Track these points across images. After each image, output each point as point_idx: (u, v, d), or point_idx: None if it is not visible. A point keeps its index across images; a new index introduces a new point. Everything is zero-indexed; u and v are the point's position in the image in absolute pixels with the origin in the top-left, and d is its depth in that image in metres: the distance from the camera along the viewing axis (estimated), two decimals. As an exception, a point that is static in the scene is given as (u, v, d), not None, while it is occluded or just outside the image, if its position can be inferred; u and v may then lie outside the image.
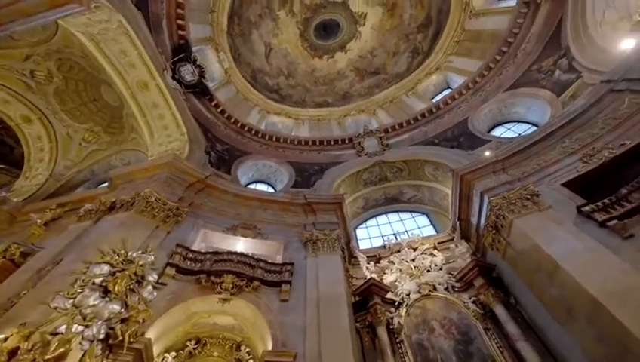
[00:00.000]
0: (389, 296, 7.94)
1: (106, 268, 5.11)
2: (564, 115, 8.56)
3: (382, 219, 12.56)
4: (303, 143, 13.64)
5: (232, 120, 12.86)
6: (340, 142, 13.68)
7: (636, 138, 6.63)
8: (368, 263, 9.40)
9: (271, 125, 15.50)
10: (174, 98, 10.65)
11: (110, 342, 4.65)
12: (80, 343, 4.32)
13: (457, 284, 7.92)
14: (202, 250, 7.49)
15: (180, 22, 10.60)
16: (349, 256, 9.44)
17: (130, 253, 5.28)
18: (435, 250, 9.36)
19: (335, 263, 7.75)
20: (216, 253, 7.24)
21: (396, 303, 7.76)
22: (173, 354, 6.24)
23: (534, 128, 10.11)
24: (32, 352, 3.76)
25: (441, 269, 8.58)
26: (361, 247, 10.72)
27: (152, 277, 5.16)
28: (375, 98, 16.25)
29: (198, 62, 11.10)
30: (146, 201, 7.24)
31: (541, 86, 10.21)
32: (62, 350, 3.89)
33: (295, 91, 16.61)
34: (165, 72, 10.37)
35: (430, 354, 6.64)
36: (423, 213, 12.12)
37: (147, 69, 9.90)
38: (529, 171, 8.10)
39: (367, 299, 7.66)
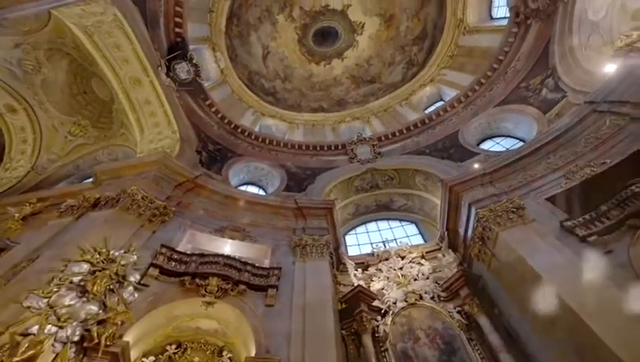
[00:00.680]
0: (375, 303, 7.93)
1: (85, 267, 4.91)
2: (549, 132, 8.87)
3: (372, 226, 12.61)
4: (296, 147, 13.64)
5: (226, 120, 12.76)
6: (333, 148, 13.75)
7: (616, 157, 6.93)
8: (356, 270, 9.39)
9: (265, 128, 15.45)
10: (167, 95, 10.50)
11: (85, 344, 4.43)
12: (52, 345, 4.10)
13: (443, 294, 7.99)
14: (188, 251, 7.32)
15: (177, 19, 10.53)
16: (338, 263, 9.41)
17: (112, 252, 5.09)
18: (423, 259, 9.45)
19: (323, 269, 7.70)
20: (202, 254, 7.09)
21: (382, 311, 7.75)
22: (152, 358, 6.00)
23: (521, 143, 10.43)
24: (0, 353, 3.55)
25: (428, 278, 8.65)
26: (349, 254, 10.71)
27: (134, 277, 4.99)
28: (370, 106, 16.47)
29: (194, 61, 11.02)
30: (131, 199, 7.04)
31: (529, 103, 10.59)
32: (32, 352, 3.69)
33: (291, 95, 16.67)
34: (160, 68, 10.23)
35: (414, 363, 6.63)
36: (412, 222, 12.24)
37: (141, 64, 9.75)
38: (515, 185, 8.32)
39: (354, 306, 7.62)
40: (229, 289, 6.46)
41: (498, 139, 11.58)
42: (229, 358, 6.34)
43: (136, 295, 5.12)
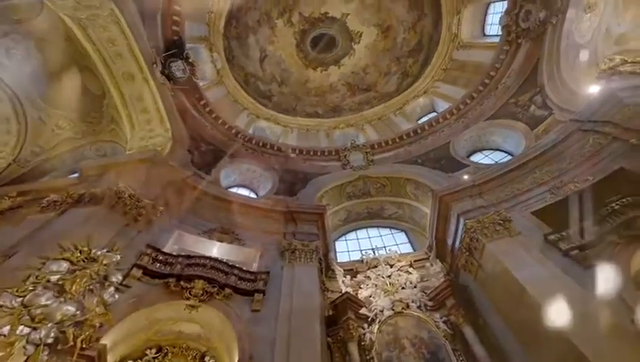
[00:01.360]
0: (362, 311, 7.90)
1: (64, 265, 4.72)
2: (536, 147, 9.15)
3: (362, 233, 12.63)
4: (289, 151, 13.63)
5: (220, 121, 12.66)
6: (326, 153, 13.80)
7: (598, 175, 7.19)
8: (345, 277, 9.35)
9: (259, 130, 15.40)
10: (161, 93, 10.36)
11: (59, 347, 4.24)
12: (24, 347, 3.91)
13: (430, 303, 8.03)
14: (174, 253, 7.15)
15: (175, 18, 10.47)
16: (327, 269, 9.35)
17: (93, 251, 4.91)
18: (411, 268, 9.50)
19: (311, 275, 7.63)
20: (188, 256, 6.95)
21: (369, 319, 7.72)
22: (130, 362, 5.80)
23: (510, 157, 10.71)
24: (-34, 355, 3.36)
25: (415, 287, 8.68)
26: (339, 260, 10.67)
27: (116, 278, 4.81)
28: (364, 114, 16.65)
29: (190, 60, 10.94)
30: (118, 197, 6.86)
31: (517, 119, 10.93)
32: (1, 354, 3.50)
33: (286, 99, 16.71)
34: (155, 65, 10.11)
35: (399, 373, 6.61)
36: (402, 230, 12.32)
37: (135, 60, 9.61)
38: (503, 198, 8.51)
39: (341, 314, 7.56)
40: (214, 293, 6.32)
41: (487, 152, 11.87)
42: (211, 364, 6.18)
43: (117, 296, 4.94)
